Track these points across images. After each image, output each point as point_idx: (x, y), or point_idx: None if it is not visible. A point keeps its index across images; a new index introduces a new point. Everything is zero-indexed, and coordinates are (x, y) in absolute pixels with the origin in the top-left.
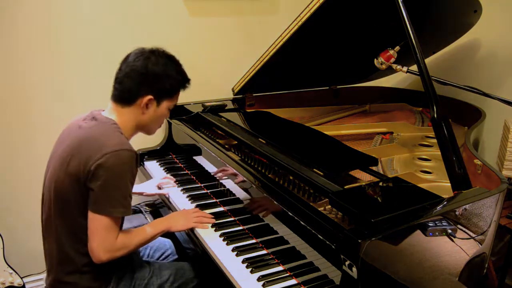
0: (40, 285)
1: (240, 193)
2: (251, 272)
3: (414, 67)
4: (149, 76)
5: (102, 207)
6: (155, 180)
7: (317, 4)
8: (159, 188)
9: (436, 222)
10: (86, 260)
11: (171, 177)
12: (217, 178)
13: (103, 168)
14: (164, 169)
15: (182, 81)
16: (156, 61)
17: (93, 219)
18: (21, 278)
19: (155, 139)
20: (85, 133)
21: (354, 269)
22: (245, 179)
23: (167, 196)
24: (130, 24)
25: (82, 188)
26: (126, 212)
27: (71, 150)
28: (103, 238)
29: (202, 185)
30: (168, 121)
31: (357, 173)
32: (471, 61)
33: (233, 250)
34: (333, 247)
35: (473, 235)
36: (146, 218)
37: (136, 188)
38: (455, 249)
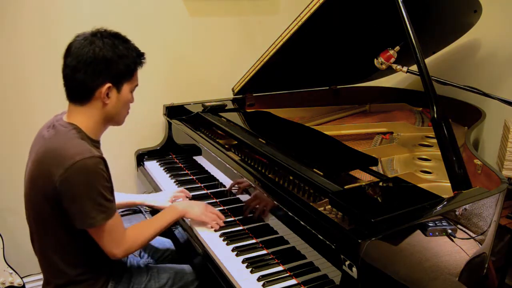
0: (40, 285)
1: (240, 193)
2: (251, 272)
3: (414, 67)
4: (100, 63)
5: (83, 222)
6: (167, 193)
7: (317, 4)
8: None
9: (436, 222)
10: (77, 270)
11: (186, 191)
12: (234, 192)
13: (68, 184)
14: (164, 169)
15: (137, 57)
16: (103, 44)
17: (90, 233)
18: (21, 278)
19: (155, 139)
20: (45, 146)
21: (354, 269)
22: (245, 178)
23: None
24: (130, 24)
25: (54, 204)
26: (108, 216)
27: (34, 167)
28: (109, 242)
29: (202, 185)
30: (168, 121)
31: (357, 173)
32: (471, 61)
33: (233, 250)
34: (333, 247)
35: (473, 235)
36: (146, 218)
37: (146, 198)
38: (455, 249)
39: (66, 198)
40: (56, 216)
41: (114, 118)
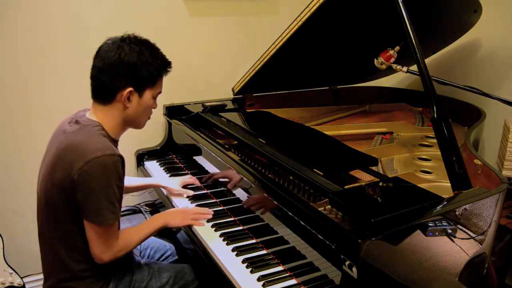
0: (40, 285)
1: (240, 193)
2: (251, 272)
3: (414, 67)
4: (124, 67)
5: (92, 217)
6: (177, 179)
7: (317, 4)
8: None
9: (436, 222)
10: (82, 266)
11: (195, 178)
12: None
13: (87, 177)
14: (164, 169)
15: (161, 65)
16: (129, 49)
17: (88, 228)
18: (21, 278)
19: (155, 139)
20: (67, 140)
21: (354, 269)
22: (245, 178)
23: (171, 199)
24: (130, 24)
25: (69, 196)
26: (116, 218)
27: (55, 158)
28: (103, 244)
29: (202, 185)
30: (168, 121)
31: (357, 173)
32: (471, 61)
33: (233, 250)
34: (333, 247)
35: (473, 235)
36: (146, 218)
37: (160, 181)
38: (455, 249)
39: (82, 191)
40: (69, 209)
41: (134, 121)
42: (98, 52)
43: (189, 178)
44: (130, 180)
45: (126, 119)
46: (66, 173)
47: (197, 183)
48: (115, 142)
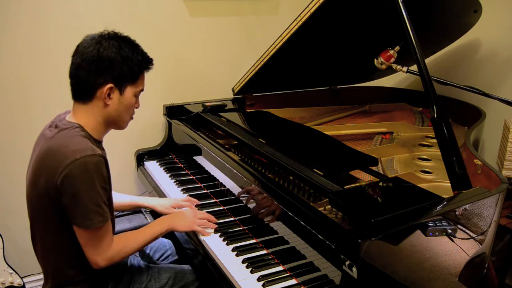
0: (40, 285)
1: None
2: (251, 272)
3: (414, 67)
4: (104, 63)
5: (80, 221)
6: (170, 200)
7: (317, 4)
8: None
9: (436, 222)
10: (77, 271)
11: (193, 199)
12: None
13: (69, 181)
14: (164, 169)
15: (142, 61)
16: (108, 45)
17: (77, 233)
18: (21, 278)
19: (155, 139)
20: (47, 145)
21: (354, 269)
22: (245, 178)
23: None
24: (130, 24)
25: (55, 202)
26: (104, 220)
27: (37, 165)
28: (95, 248)
29: (202, 185)
30: (168, 121)
31: (357, 173)
32: (471, 61)
33: (233, 250)
34: (333, 247)
35: (473, 235)
36: (146, 218)
37: (148, 201)
38: (455, 249)
39: (66, 195)
40: (57, 214)
41: (115, 121)
42: (76, 49)
43: (184, 201)
44: (119, 196)
45: (107, 118)
46: (49, 180)
47: (196, 203)
48: (98, 142)
